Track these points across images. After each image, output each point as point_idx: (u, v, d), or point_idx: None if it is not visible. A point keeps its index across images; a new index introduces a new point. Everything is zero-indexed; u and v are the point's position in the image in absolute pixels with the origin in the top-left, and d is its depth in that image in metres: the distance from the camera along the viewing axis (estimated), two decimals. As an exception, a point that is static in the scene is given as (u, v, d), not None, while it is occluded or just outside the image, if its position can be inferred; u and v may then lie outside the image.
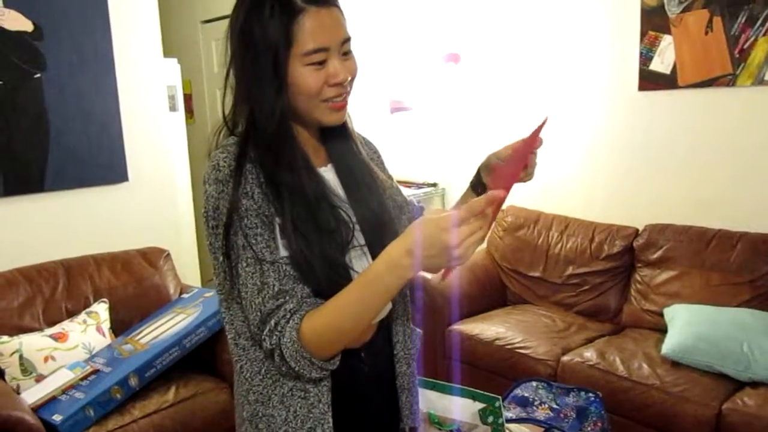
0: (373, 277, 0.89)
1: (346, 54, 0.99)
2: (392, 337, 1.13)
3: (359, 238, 1.03)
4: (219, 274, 1.00)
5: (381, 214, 1.08)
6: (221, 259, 0.97)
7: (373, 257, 1.03)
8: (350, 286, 0.92)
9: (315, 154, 1.06)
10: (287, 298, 0.93)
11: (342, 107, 1.01)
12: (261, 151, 0.97)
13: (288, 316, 0.93)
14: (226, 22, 1.01)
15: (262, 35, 0.93)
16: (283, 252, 0.95)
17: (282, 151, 0.98)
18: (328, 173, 1.07)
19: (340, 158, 1.09)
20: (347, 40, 0.98)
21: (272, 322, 0.93)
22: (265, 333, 0.94)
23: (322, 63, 0.95)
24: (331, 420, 1.01)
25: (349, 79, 0.99)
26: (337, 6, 0.97)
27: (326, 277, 0.95)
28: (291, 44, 0.93)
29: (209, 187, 0.96)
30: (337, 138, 1.09)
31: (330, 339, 0.94)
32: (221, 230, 0.94)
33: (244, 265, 0.94)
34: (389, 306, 1.06)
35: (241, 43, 0.96)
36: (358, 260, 1.02)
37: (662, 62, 2.90)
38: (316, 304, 0.94)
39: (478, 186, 1.18)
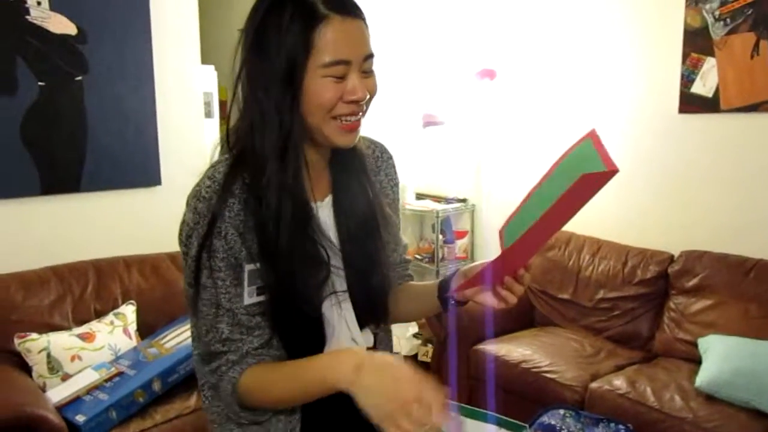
0: (315, 372, 0.89)
1: (367, 72, 0.90)
2: None
3: (338, 284, 0.98)
4: (187, 291, 0.99)
5: (374, 256, 1.01)
6: (185, 286, 0.96)
7: (353, 303, 1.01)
8: (295, 365, 0.93)
9: (317, 180, 0.97)
10: (232, 348, 0.93)
11: (354, 128, 0.92)
12: (255, 174, 0.90)
13: (229, 366, 0.94)
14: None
15: (278, 41, 0.86)
16: (247, 300, 0.92)
17: (282, 177, 0.89)
18: (324, 209, 0.99)
19: (344, 192, 1.00)
20: (370, 56, 0.90)
21: (214, 365, 0.95)
22: (206, 370, 0.97)
23: (341, 77, 0.87)
24: None
25: (367, 98, 0.91)
26: (362, 19, 0.89)
27: (291, 323, 0.95)
28: (309, 53, 0.85)
29: (188, 213, 0.93)
30: (346, 168, 1.00)
31: (262, 401, 0.96)
32: (189, 260, 0.93)
33: (200, 304, 0.94)
34: (370, 338, 1.06)
35: (254, 47, 0.88)
36: (329, 310, 0.98)
37: (704, 85, 2.83)
38: (260, 358, 0.94)
39: (443, 292, 1.05)
